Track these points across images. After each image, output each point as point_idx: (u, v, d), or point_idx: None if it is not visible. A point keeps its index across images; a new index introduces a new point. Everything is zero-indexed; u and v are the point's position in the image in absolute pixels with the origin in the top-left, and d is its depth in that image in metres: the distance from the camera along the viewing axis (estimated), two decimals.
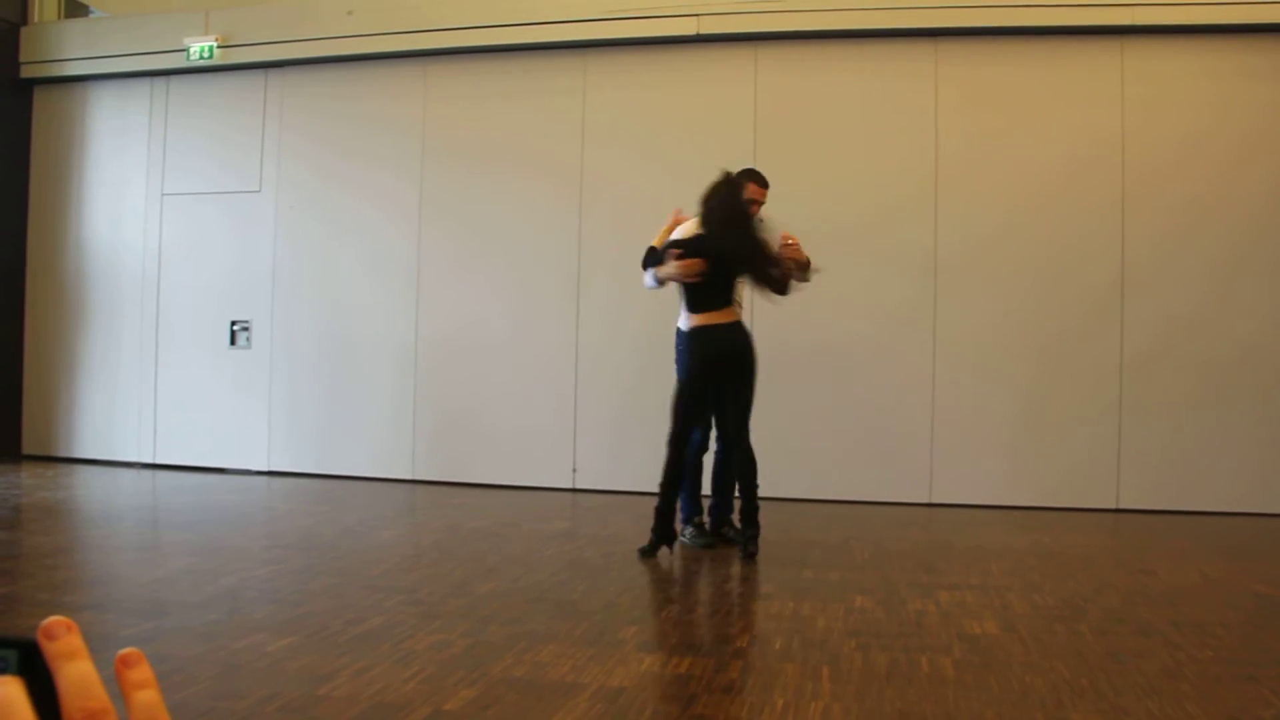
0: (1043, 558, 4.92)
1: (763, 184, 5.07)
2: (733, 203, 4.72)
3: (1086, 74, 6.58)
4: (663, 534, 4.77)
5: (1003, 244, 6.60)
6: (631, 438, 6.97)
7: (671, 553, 4.86)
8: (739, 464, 4.77)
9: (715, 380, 4.79)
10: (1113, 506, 6.47)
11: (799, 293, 4.85)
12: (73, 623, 0.47)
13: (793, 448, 6.57)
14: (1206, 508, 6.33)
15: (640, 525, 4.96)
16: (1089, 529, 5.89)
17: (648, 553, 4.75)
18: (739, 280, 4.80)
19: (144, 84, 8.08)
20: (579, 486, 7.07)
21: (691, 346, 4.80)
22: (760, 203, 5.03)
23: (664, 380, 7.06)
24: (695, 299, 4.76)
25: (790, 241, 4.72)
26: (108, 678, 0.48)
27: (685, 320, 4.86)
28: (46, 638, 0.47)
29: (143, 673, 0.48)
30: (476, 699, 2.72)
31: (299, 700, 2.68)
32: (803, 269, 4.74)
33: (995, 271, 6.59)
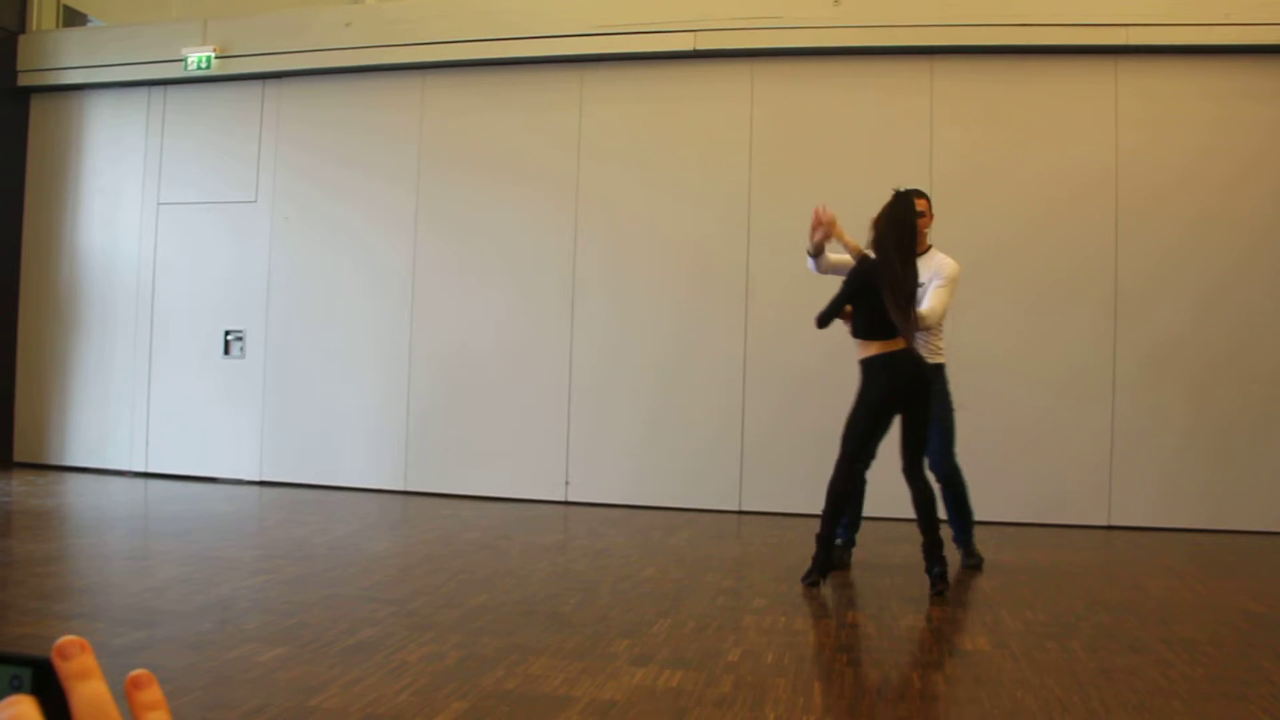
0: (1034, 574, 4.94)
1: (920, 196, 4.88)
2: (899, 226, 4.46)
3: (1082, 94, 6.62)
4: (825, 562, 4.53)
5: (997, 262, 6.62)
6: (624, 451, 6.97)
7: (824, 582, 4.56)
8: (914, 497, 4.51)
9: (896, 410, 4.55)
10: (1104, 524, 6.49)
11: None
12: (86, 642, 0.48)
13: (788, 460, 6.58)
14: (1198, 525, 6.35)
15: (632, 539, 4.96)
16: (1081, 546, 5.90)
17: (813, 582, 4.46)
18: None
19: (141, 93, 8.09)
20: (571, 499, 7.07)
21: (876, 376, 4.53)
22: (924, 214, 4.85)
23: (656, 392, 7.12)
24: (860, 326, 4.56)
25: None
26: (117, 695, 0.49)
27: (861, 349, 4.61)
28: (60, 657, 0.47)
29: (153, 694, 0.48)
30: (468, 711, 2.72)
31: (290, 712, 2.68)
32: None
33: (989, 289, 6.60)
